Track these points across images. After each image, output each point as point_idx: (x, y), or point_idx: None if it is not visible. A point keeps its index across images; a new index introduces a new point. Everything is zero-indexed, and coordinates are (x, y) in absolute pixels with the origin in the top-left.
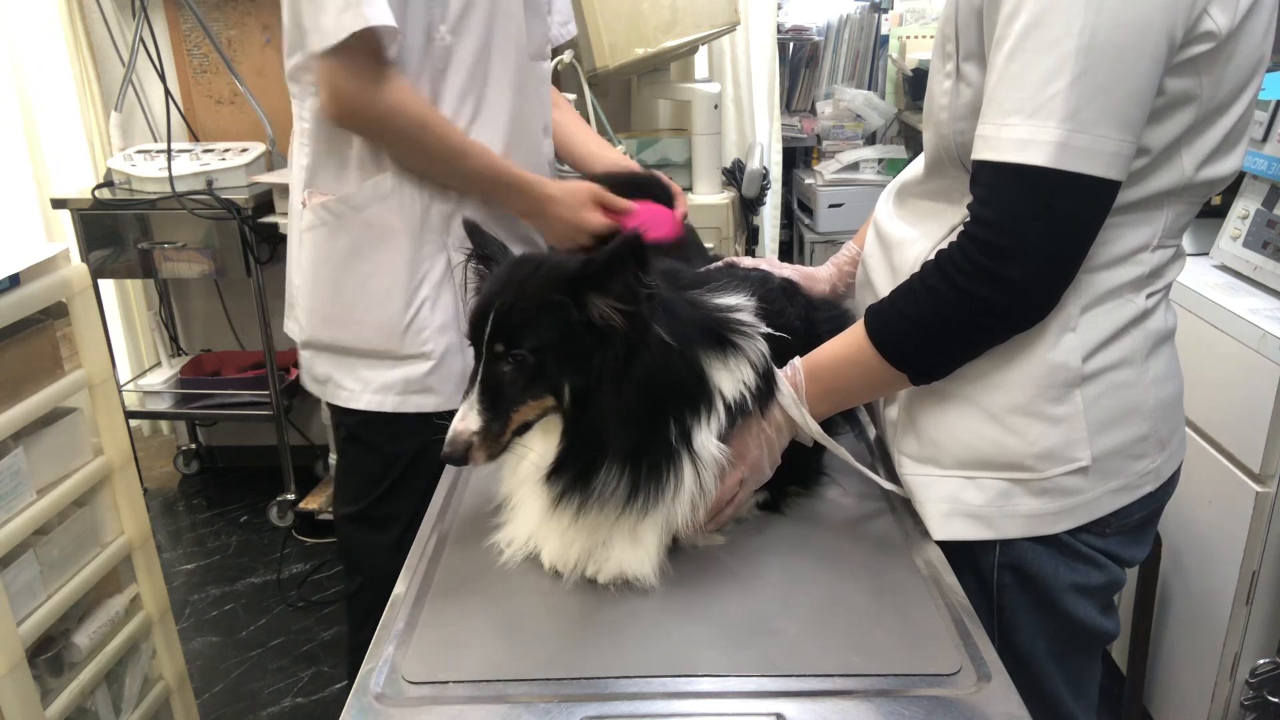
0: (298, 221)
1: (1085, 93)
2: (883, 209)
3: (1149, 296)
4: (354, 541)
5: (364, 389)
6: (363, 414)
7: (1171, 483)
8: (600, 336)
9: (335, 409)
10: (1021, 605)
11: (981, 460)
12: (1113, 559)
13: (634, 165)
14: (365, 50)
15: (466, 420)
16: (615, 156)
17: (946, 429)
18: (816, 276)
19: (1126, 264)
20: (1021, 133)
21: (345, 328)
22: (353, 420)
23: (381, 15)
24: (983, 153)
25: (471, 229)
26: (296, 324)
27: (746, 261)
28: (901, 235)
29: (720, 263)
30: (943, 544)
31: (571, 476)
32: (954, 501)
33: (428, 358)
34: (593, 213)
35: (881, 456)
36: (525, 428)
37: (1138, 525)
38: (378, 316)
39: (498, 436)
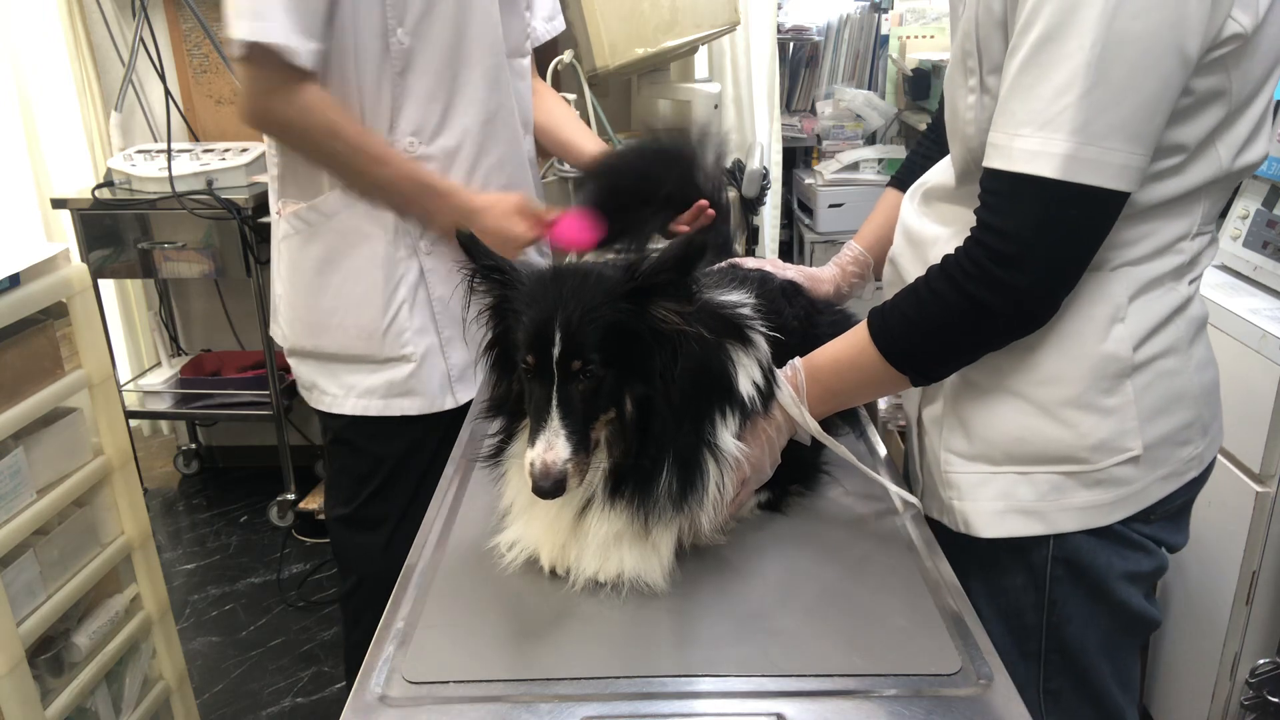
0: (275, 232)
1: (1095, 106)
2: (909, 208)
3: (1190, 284)
4: (345, 542)
5: (347, 394)
6: (348, 417)
7: (1210, 468)
8: (657, 340)
9: (322, 412)
10: (1074, 598)
11: (1034, 455)
12: (1159, 544)
13: None
14: (266, 60)
15: (555, 449)
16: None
17: (998, 425)
18: (820, 277)
19: (1169, 253)
20: (1032, 143)
21: (326, 334)
22: (339, 424)
23: (272, 33)
24: (993, 160)
25: (468, 241)
26: (281, 332)
27: (750, 262)
28: (933, 233)
29: (723, 263)
30: (989, 543)
31: (634, 485)
32: (1007, 498)
33: (408, 360)
34: (520, 223)
35: (903, 457)
36: (596, 444)
37: (1178, 510)
38: (356, 321)
39: (586, 459)
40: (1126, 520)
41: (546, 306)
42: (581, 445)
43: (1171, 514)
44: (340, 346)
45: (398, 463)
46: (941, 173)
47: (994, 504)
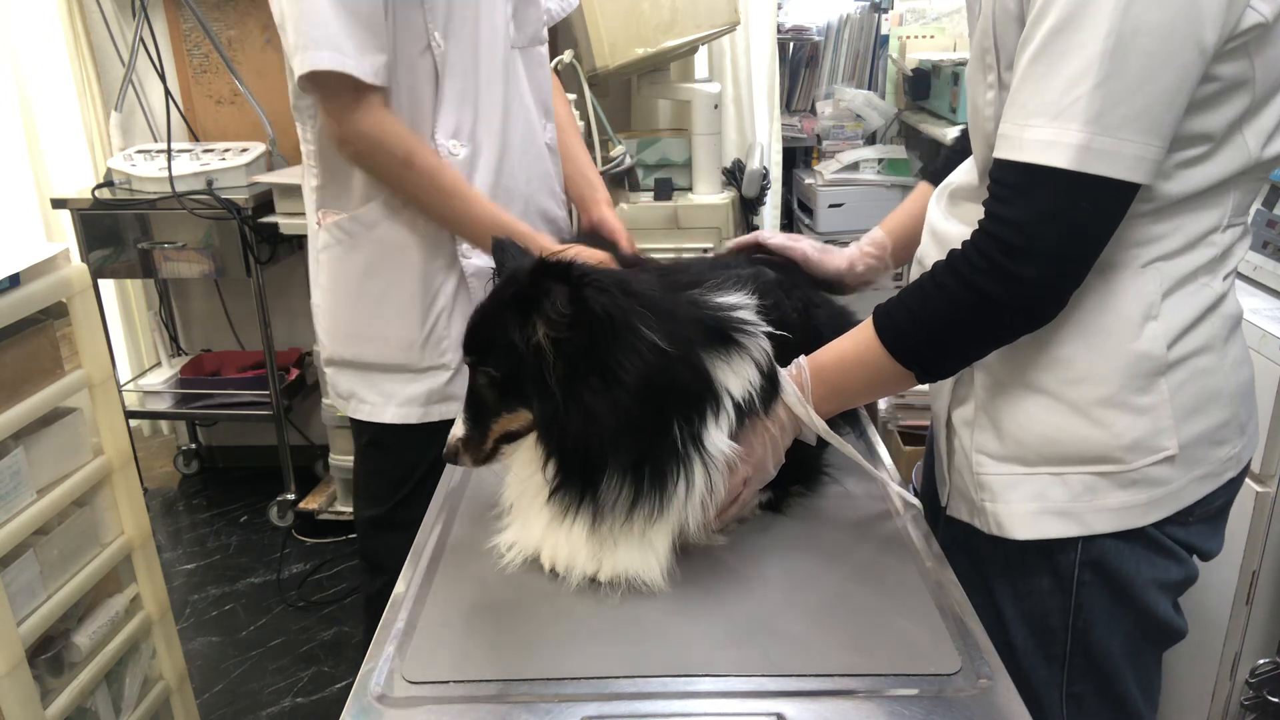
0: (314, 242)
1: (1110, 97)
2: (935, 209)
3: (1224, 279)
4: (376, 544)
5: (387, 402)
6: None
7: (1248, 468)
8: (537, 355)
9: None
10: (1100, 602)
11: (1068, 455)
12: (1191, 551)
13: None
14: (332, 85)
15: (455, 427)
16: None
17: (1030, 425)
18: (832, 251)
19: (1200, 247)
20: (1045, 134)
21: (366, 344)
22: (374, 428)
23: (328, 60)
24: (1004, 151)
25: (499, 248)
26: (319, 342)
27: (775, 238)
28: (959, 232)
29: (750, 237)
30: (1016, 545)
31: (577, 492)
32: (1041, 499)
33: (447, 368)
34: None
35: (923, 458)
36: (511, 437)
37: (1216, 512)
38: (396, 331)
39: (479, 445)
40: (1162, 524)
41: (480, 302)
42: (476, 431)
43: (1209, 516)
44: (380, 356)
45: (433, 465)
46: (965, 172)
47: (1027, 505)
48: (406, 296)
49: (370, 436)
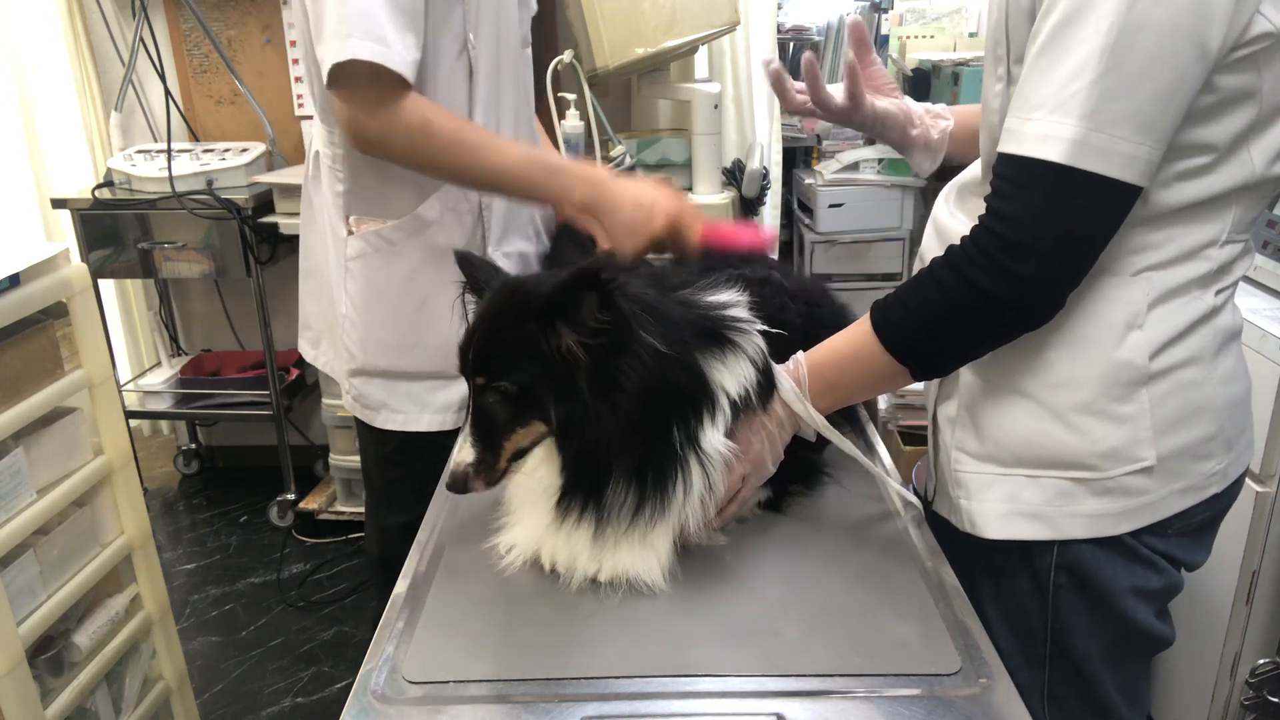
0: (341, 250)
1: (1107, 92)
2: (942, 207)
3: (1218, 293)
4: (401, 550)
5: (422, 410)
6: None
7: (1238, 484)
8: (566, 362)
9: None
10: (1077, 607)
11: (1043, 459)
12: (1172, 562)
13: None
14: (365, 78)
15: (462, 452)
16: None
17: (1009, 427)
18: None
19: (1194, 260)
20: (1044, 127)
21: (405, 353)
22: (404, 434)
23: (370, 50)
24: (1006, 145)
25: (463, 260)
26: (346, 353)
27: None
28: (961, 227)
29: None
30: (995, 545)
31: (582, 498)
32: (1014, 500)
33: None
34: (671, 195)
35: (933, 455)
36: (521, 453)
37: (1200, 527)
38: (436, 338)
39: (492, 466)
40: (1139, 533)
41: (474, 321)
42: (487, 452)
43: (1191, 530)
44: (419, 365)
45: None
46: (973, 168)
47: (1000, 505)
48: (447, 301)
49: (399, 442)
